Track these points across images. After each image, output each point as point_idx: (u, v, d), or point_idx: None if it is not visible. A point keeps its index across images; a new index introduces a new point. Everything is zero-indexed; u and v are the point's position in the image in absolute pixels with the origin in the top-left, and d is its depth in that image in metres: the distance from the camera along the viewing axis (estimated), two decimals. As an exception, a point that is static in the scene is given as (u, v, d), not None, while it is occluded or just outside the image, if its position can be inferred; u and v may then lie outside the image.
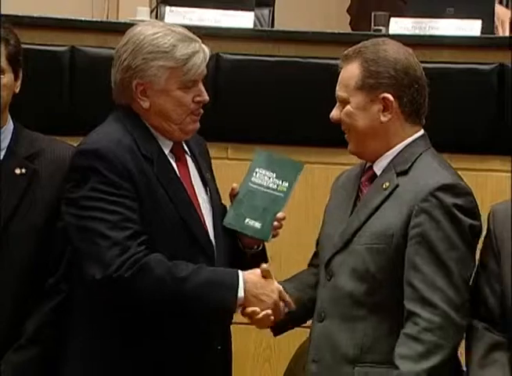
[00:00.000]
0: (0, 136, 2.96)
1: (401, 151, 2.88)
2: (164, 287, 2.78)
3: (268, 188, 2.82)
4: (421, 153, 2.88)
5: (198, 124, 2.96)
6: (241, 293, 2.79)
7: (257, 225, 2.80)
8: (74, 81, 4.67)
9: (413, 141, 2.89)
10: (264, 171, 2.82)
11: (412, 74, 2.87)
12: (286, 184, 2.83)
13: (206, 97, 2.93)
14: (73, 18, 5.09)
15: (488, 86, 4.53)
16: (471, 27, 4.93)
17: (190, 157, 3.03)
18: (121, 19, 6.32)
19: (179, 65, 2.87)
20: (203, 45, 2.93)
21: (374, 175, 2.90)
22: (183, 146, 3.01)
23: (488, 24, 5.08)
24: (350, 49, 2.91)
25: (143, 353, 2.87)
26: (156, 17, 5.59)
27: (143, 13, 5.68)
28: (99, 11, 6.42)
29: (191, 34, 2.94)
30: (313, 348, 2.91)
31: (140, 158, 2.87)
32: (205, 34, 4.22)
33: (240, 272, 2.82)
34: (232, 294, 2.79)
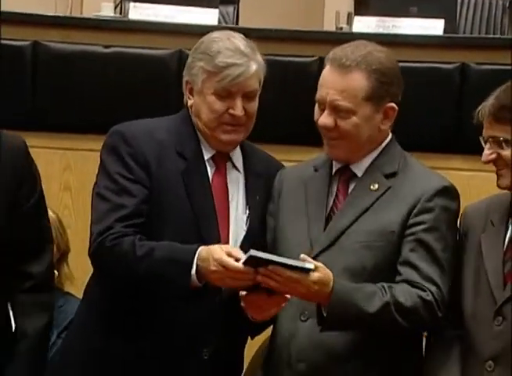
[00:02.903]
0: None
1: (381, 152, 2.87)
2: (122, 264, 2.80)
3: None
4: (405, 156, 2.89)
5: (235, 137, 2.93)
6: (193, 270, 2.75)
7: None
8: (37, 75, 4.68)
9: (389, 141, 2.89)
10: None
11: (401, 78, 2.89)
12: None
13: (238, 112, 2.87)
14: (36, 13, 5.09)
15: (451, 85, 4.57)
16: (434, 26, 4.98)
17: (240, 173, 2.99)
18: (85, 15, 6.30)
19: (215, 70, 2.86)
20: (254, 63, 2.89)
21: (353, 175, 2.87)
22: (232, 161, 2.98)
23: (451, 24, 5.16)
24: (341, 52, 2.83)
25: (130, 344, 2.88)
26: (121, 13, 5.58)
27: (107, 9, 5.65)
28: (63, 7, 6.37)
29: (248, 49, 2.91)
30: (297, 347, 2.83)
31: (171, 154, 2.90)
32: (169, 30, 4.25)
33: (200, 248, 2.76)
34: (186, 271, 2.76)
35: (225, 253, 2.66)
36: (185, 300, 2.78)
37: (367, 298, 2.69)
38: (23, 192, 2.82)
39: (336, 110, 2.78)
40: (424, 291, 2.72)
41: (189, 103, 2.93)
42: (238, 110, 2.87)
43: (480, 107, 2.73)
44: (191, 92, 2.92)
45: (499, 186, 2.75)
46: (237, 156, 2.98)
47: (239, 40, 2.93)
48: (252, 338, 3.01)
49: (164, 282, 2.79)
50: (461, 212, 2.87)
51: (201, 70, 2.88)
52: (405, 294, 2.70)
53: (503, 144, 2.69)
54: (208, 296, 2.80)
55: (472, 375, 2.72)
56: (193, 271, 2.73)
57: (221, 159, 2.95)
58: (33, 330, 2.80)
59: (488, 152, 2.72)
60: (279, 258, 2.61)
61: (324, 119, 2.80)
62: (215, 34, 2.96)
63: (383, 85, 2.80)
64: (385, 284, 2.72)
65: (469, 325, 2.75)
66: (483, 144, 2.75)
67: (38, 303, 2.85)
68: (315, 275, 2.61)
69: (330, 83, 2.80)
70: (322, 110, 2.82)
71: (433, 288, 2.73)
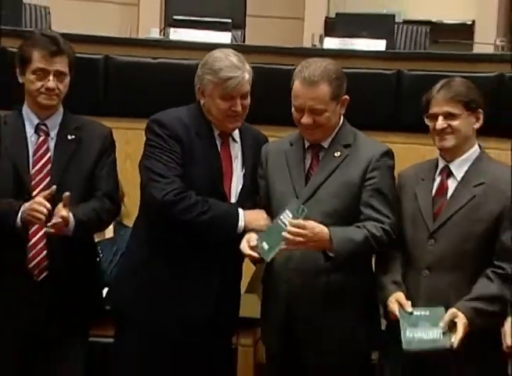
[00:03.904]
0: (51, 119, 2.91)
1: (338, 130, 2.82)
2: (190, 213, 2.77)
3: (285, 225, 2.67)
4: (355, 132, 2.85)
5: (237, 124, 2.89)
6: (241, 222, 2.79)
7: (266, 247, 2.69)
8: (108, 78, 4.68)
9: (343, 122, 2.84)
10: (289, 213, 2.69)
11: (345, 77, 2.84)
12: (289, 215, 2.67)
13: (238, 109, 2.84)
14: (107, 35, 5.12)
15: (390, 85, 4.55)
16: (379, 44, 4.98)
17: (238, 144, 2.95)
18: (140, 36, 6.27)
19: (220, 82, 2.81)
20: (245, 73, 2.86)
21: (321, 147, 2.81)
22: (232, 136, 2.94)
23: (390, 42, 5.15)
24: (309, 72, 2.75)
25: (166, 265, 2.85)
26: (164, 35, 5.54)
27: (155, 32, 5.65)
28: (125, 30, 6.29)
29: (240, 64, 2.87)
30: (292, 267, 2.76)
31: (192, 133, 2.86)
32: (197, 47, 4.22)
33: (240, 210, 2.81)
34: (235, 220, 2.79)
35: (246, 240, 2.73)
36: (232, 242, 2.77)
37: (353, 234, 2.68)
38: (107, 152, 2.94)
39: (313, 111, 2.74)
40: (383, 223, 2.71)
41: (202, 101, 2.88)
42: (238, 107, 2.83)
43: (428, 95, 2.70)
44: (202, 94, 2.87)
45: (443, 146, 2.70)
46: (236, 132, 2.93)
47: (233, 57, 2.87)
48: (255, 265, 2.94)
49: (217, 231, 2.80)
50: (396, 175, 2.83)
51: (209, 81, 2.83)
52: (374, 228, 2.69)
53: (453, 117, 2.66)
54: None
55: (412, 279, 2.70)
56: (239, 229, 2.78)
57: (225, 135, 2.91)
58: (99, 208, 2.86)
59: (442, 122, 2.67)
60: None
61: (305, 120, 2.74)
62: (216, 54, 2.89)
63: (339, 87, 2.76)
64: (359, 224, 2.71)
65: (409, 246, 2.73)
66: (426, 121, 2.72)
67: (106, 208, 2.89)
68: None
69: (305, 95, 2.74)
70: (299, 113, 2.77)
71: (388, 221, 2.71)
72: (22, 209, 2.70)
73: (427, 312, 2.63)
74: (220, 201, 2.82)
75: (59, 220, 2.66)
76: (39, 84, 2.80)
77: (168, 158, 2.82)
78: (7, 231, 2.73)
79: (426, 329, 2.60)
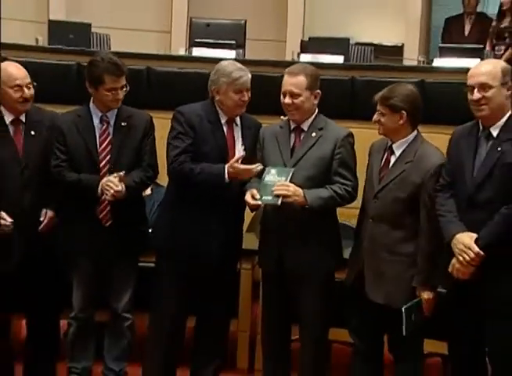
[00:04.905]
0: (111, 112, 2.90)
1: (315, 117, 2.77)
2: (187, 177, 2.75)
3: (274, 182, 2.65)
4: (326, 119, 2.79)
5: (243, 110, 2.84)
6: (226, 174, 2.72)
7: (269, 198, 2.65)
8: (150, 84, 4.58)
9: (317, 113, 2.78)
10: (273, 174, 2.67)
11: (319, 78, 2.79)
12: (283, 178, 2.66)
13: (246, 99, 2.80)
14: (149, 52, 4.99)
15: (347, 87, 4.49)
16: (338, 59, 4.93)
17: (238, 127, 2.88)
18: (172, 53, 6.14)
19: (232, 80, 2.77)
20: (248, 73, 2.82)
21: (302, 129, 2.77)
22: (235, 121, 2.86)
23: (347, 57, 5.09)
24: (293, 68, 2.74)
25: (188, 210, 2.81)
26: (188, 52, 5.47)
27: (182, 51, 5.64)
28: (161, 48, 6.24)
29: (243, 67, 2.83)
30: (278, 220, 2.73)
31: (205, 121, 2.80)
32: (211, 61, 4.13)
33: (226, 167, 2.74)
34: (223, 176, 2.73)
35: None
36: (221, 189, 2.74)
37: (322, 193, 2.65)
38: (148, 133, 2.93)
39: (292, 94, 2.70)
40: (347, 185, 2.68)
41: (217, 98, 2.81)
42: (245, 97, 2.80)
43: (375, 96, 2.63)
44: (217, 92, 2.80)
45: (379, 133, 2.65)
46: (237, 119, 2.87)
47: (236, 63, 2.85)
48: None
49: (211, 183, 2.74)
50: (369, 147, 2.77)
51: (223, 82, 2.78)
52: (339, 189, 2.67)
53: (382, 115, 2.61)
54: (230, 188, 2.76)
55: (364, 224, 2.66)
56: (226, 176, 2.72)
57: (230, 121, 2.85)
58: (144, 176, 2.89)
59: (376, 117, 2.62)
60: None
61: (286, 100, 2.72)
62: (224, 63, 2.86)
63: (313, 81, 2.71)
64: (328, 186, 2.68)
65: (365, 200, 2.69)
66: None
67: (148, 175, 2.92)
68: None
69: (287, 81, 2.72)
70: (283, 97, 2.73)
71: (350, 183, 2.69)
72: (101, 182, 2.78)
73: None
74: (213, 165, 2.75)
75: (117, 190, 2.76)
76: (111, 96, 2.83)
77: (180, 140, 2.77)
78: (91, 196, 2.81)
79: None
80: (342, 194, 2.67)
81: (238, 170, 2.73)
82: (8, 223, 2.70)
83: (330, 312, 2.77)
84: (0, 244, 2.71)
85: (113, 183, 2.75)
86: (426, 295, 2.50)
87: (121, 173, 2.77)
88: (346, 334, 2.78)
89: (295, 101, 2.70)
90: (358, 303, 2.64)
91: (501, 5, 5.70)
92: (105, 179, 2.78)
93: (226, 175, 2.72)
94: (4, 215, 2.72)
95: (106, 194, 2.76)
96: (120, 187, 2.75)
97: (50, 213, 2.87)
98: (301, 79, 2.70)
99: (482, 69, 2.40)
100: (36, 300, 2.88)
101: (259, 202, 2.66)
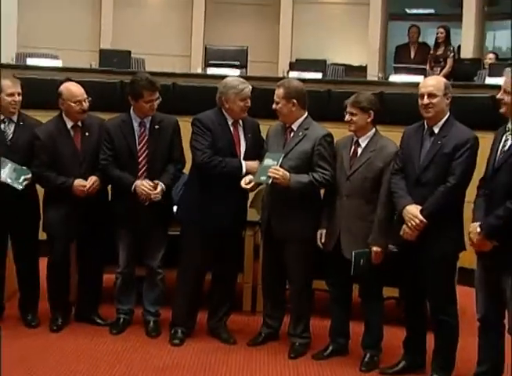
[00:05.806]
0: (147, 118, 2.85)
1: (304, 120, 2.71)
2: (215, 168, 2.69)
3: (269, 165, 2.59)
4: (311, 121, 2.73)
5: (246, 114, 2.77)
6: (244, 169, 2.70)
7: (264, 178, 2.60)
8: (175, 96, 4.38)
9: (306, 116, 2.72)
10: (269, 158, 2.61)
11: (299, 91, 2.70)
12: (275, 162, 2.60)
13: (249, 105, 2.74)
14: (174, 72, 4.81)
15: (325, 97, 4.29)
16: (318, 75, 4.83)
17: (241, 127, 2.80)
18: (192, 71, 5.98)
19: (238, 92, 2.71)
20: (249, 86, 2.75)
21: (292, 129, 2.71)
22: (239, 122, 2.79)
23: (324, 73, 4.98)
24: (279, 82, 2.71)
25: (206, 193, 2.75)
26: (204, 71, 5.33)
27: (199, 69, 5.51)
28: (183, 68, 6.18)
29: (245, 81, 2.77)
30: (270, 199, 2.72)
31: (216, 124, 2.73)
32: (221, 77, 4.02)
33: (243, 162, 2.70)
34: (241, 170, 2.70)
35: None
36: (238, 178, 2.67)
37: (302, 178, 2.60)
38: (175, 133, 2.89)
39: (276, 102, 2.67)
40: (325, 174, 2.62)
41: (226, 105, 2.73)
42: (248, 104, 2.74)
43: (346, 101, 2.60)
44: (226, 101, 2.73)
45: (350, 130, 2.61)
46: (240, 121, 2.80)
47: (239, 78, 2.80)
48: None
49: (232, 173, 2.69)
50: (335, 142, 2.71)
51: (232, 93, 2.70)
52: (317, 176, 2.61)
53: (354, 115, 2.58)
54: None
55: (338, 202, 2.60)
56: (243, 172, 2.68)
57: (235, 123, 2.78)
58: (174, 170, 2.86)
59: (348, 117, 2.59)
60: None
61: (274, 106, 2.68)
62: (229, 78, 2.80)
63: (290, 93, 2.65)
64: (310, 173, 2.62)
65: (337, 183, 2.62)
66: (346, 115, 2.61)
67: (177, 168, 2.88)
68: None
69: (275, 92, 2.68)
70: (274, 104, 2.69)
71: (328, 172, 2.62)
72: (135, 183, 2.76)
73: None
74: (233, 159, 2.70)
75: (154, 197, 2.77)
76: (148, 107, 2.79)
77: (203, 139, 2.71)
78: (128, 191, 2.78)
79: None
80: (320, 181, 2.62)
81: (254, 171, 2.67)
82: (158, 196, 2.76)
83: (311, 268, 2.72)
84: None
85: (147, 188, 2.74)
86: (375, 248, 2.51)
87: (156, 181, 2.75)
88: (325, 285, 2.80)
89: (277, 107, 2.68)
90: (333, 262, 2.63)
91: (437, 39, 6.05)
92: (139, 182, 2.76)
93: (244, 170, 2.69)
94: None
95: (142, 199, 2.75)
96: (155, 195, 2.75)
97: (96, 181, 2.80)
98: (280, 91, 2.67)
99: (430, 82, 2.46)
100: (90, 257, 2.94)
101: (249, 186, 2.62)
